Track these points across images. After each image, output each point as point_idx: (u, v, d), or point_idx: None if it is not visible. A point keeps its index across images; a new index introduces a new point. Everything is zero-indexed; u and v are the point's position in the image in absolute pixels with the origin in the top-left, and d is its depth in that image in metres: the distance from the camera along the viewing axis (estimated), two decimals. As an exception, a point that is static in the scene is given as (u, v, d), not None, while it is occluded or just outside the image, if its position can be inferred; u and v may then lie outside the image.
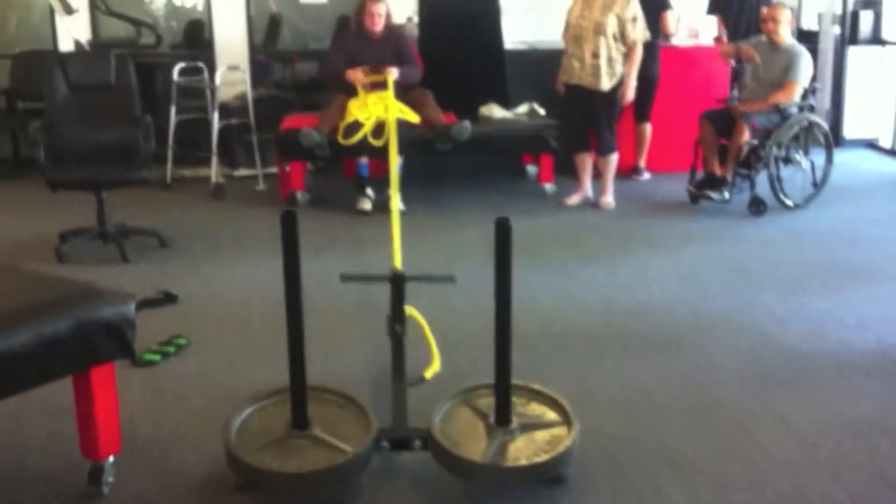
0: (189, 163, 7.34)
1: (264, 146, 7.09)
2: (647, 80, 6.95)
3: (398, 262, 3.46)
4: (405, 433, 2.97)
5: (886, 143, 8.35)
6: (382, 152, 5.98)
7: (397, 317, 3.07)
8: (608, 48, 6.12)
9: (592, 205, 6.41)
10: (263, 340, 4.03)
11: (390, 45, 6.37)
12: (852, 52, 8.23)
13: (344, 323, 4.28)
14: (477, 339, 3.69)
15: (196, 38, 8.20)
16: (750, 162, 6.15)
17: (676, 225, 5.95)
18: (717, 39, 7.48)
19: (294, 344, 2.82)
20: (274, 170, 6.94)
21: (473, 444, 2.86)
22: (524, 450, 2.84)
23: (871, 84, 8.31)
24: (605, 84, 6.15)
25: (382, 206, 5.82)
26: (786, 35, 6.17)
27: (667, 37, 7.13)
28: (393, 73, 6.17)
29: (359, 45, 6.38)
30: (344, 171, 7.01)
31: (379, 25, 6.31)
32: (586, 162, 6.44)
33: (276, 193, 6.64)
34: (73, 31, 7.20)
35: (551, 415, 3.04)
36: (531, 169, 7.26)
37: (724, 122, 6.22)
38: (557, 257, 5.27)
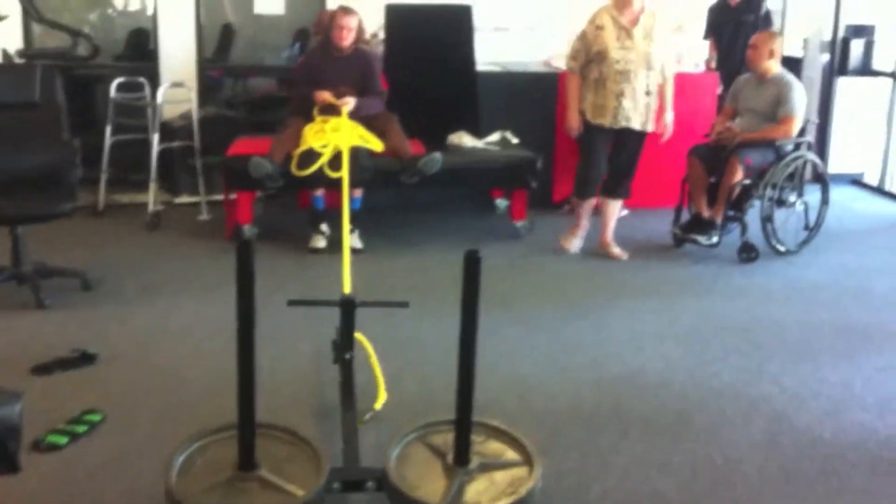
0: (125, 187, 6.67)
1: (209, 171, 6.44)
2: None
3: (347, 287, 3.48)
4: (358, 474, 2.83)
5: (872, 178, 7.92)
6: (340, 184, 5.38)
7: (346, 343, 3.07)
8: (655, 83, 5.44)
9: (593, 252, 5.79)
10: (197, 411, 3.42)
11: (357, 66, 5.77)
12: (841, 82, 7.77)
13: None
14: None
15: (139, 48, 7.52)
16: (741, 203, 5.65)
17: (663, 272, 5.41)
18: (707, 63, 6.99)
19: (244, 380, 2.61)
20: (219, 197, 6.28)
21: (431, 485, 2.70)
22: (484, 493, 2.69)
23: (858, 117, 7.87)
24: (652, 124, 5.50)
25: (338, 244, 5.20)
26: (771, 65, 5.67)
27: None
28: (349, 104, 5.58)
29: (324, 63, 5.79)
30: (297, 199, 6.39)
31: (348, 41, 5.72)
32: (592, 204, 5.74)
33: (221, 224, 5.99)
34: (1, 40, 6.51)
35: (511, 454, 2.88)
36: (501, 203, 6.68)
37: (713, 158, 5.71)
38: (536, 310, 4.70)
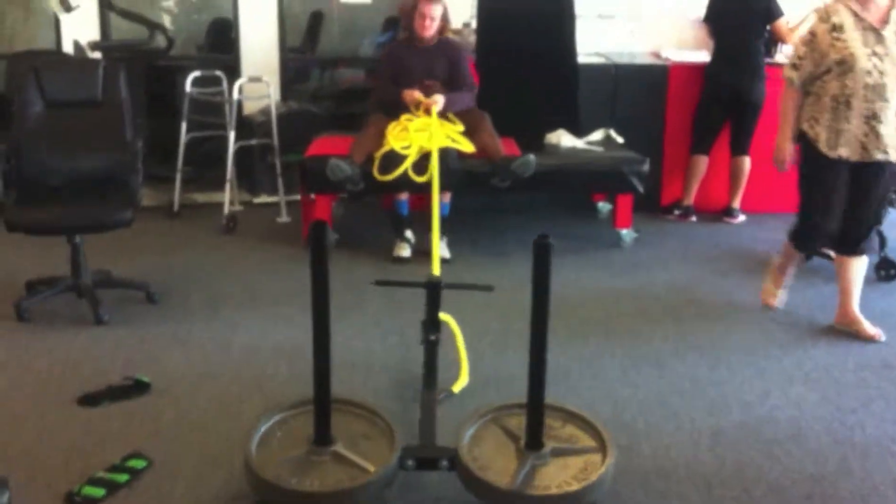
0: (202, 186, 6.32)
1: (290, 170, 6.04)
2: (748, 104, 5.81)
3: (436, 269, 3.69)
4: (431, 452, 2.85)
5: None
6: (426, 188, 4.92)
7: (432, 324, 3.16)
8: None
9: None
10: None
11: (444, 57, 5.27)
12: None
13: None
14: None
15: (221, 39, 7.17)
16: (879, 211, 4.95)
17: (790, 293, 4.75)
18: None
19: (320, 355, 2.72)
20: (299, 197, 5.86)
21: (502, 467, 2.75)
22: (555, 477, 2.71)
23: None
24: None
25: (424, 252, 4.72)
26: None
27: (775, 51, 5.93)
28: (438, 103, 5.08)
29: (406, 56, 5.30)
30: (380, 201, 5.93)
31: (431, 30, 5.22)
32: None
33: (300, 227, 5.57)
34: (75, 31, 6.21)
35: (586, 440, 2.90)
36: (603, 207, 6.11)
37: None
38: (642, 337, 4.13)
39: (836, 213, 4.15)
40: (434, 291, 3.15)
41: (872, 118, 3.94)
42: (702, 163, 5.99)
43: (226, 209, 5.74)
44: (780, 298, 4.54)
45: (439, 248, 4.90)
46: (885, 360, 3.89)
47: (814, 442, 3.21)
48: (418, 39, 5.25)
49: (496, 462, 2.76)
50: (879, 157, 3.99)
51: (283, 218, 5.96)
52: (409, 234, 5.28)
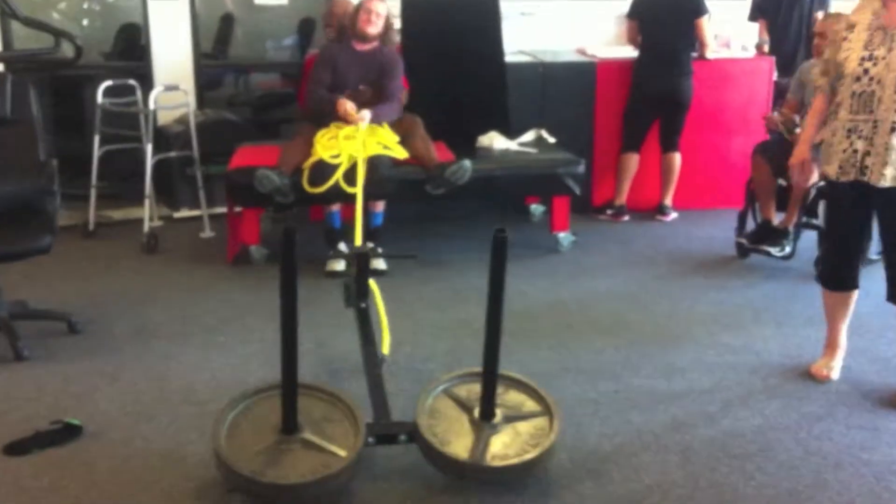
0: (118, 202, 6.01)
1: (211, 181, 5.78)
2: (677, 102, 5.78)
3: (358, 241, 4.09)
4: (391, 428, 2.99)
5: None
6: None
7: (361, 292, 3.55)
8: None
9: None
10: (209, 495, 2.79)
11: (378, 65, 5.07)
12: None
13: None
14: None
15: (130, 46, 6.83)
16: (816, 208, 4.96)
17: (731, 293, 4.73)
18: (759, 47, 6.29)
19: (287, 344, 2.78)
20: (223, 210, 5.60)
21: (460, 440, 2.90)
22: (511, 445, 2.89)
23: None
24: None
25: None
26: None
27: (702, 48, 5.90)
28: (364, 119, 4.88)
29: (342, 57, 5.08)
30: (309, 213, 5.72)
31: (376, 27, 5.03)
32: (849, 302, 3.73)
33: (226, 243, 5.32)
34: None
35: (531, 404, 3.09)
36: (536, 209, 6.01)
37: (782, 158, 5.01)
38: (594, 349, 4.02)
39: (846, 244, 3.63)
40: (362, 261, 3.54)
41: (853, 132, 3.39)
42: (633, 161, 5.94)
43: (146, 226, 5.45)
44: (833, 370, 3.74)
45: (374, 261, 4.76)
46: (843, 362, 3.84)
47: (784, 454, 3.14)
48: (359, 39, 5.04)
49: (454, 436, 2.91)
50: (865, 179, 3.38)
51: (207, 233, 5.70)
52: (342, 246, 5.09)
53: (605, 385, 3.67)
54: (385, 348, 3.65)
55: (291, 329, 2.74)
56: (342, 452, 2.78)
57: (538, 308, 4.52)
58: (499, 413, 2.95)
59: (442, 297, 4.61)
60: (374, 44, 5.08)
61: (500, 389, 3.02)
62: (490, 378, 2.92)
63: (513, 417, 2.98)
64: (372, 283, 3.68)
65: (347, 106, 4.84)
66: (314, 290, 4.65)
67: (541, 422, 2.97)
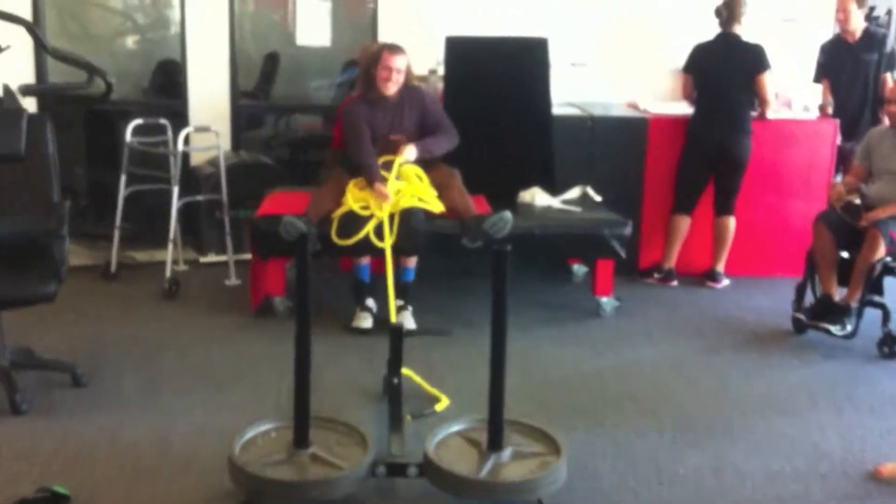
0: (144, 244, 5.79)
1: (240, 227, 5.55)
2: (733, 161, 5.46)
3: (393, 317, 4.25)
4: (401, 459, 3.16)
5: None
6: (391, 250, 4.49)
7: (394, 369, 3.62)
8: None
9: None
10: None
11: (409, 108, 4.77)
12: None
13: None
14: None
15: (168, 83, 6.66)
16: (881, 285, 4.60)
17: (786, 372, 4.34)
18: (822, 108, 5.95)
19: (301, 365, 2.94)
20: (249, 256, 5.35)
21: (467, 464, 3.00)
22: (516, 470, 2.99)
23: None
24: None
25: (387, 323, 4.22)
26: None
27: (763, 106, 5.56)
28: (409, 153, 4.62)
29: (368, 113, 4.75)
30: (339, 263, 5.44)
31: (395, 85, 4.66)
32: None
33: (250, 291, 5.06)
34: (8, 74, 5.65)
35: (542, 447, 3.13)
36: (578, 270, 5.69)
37: (847, 229, 4.67)
38: (635, 430, 3.67)
39: None
40: (396, 336, 3.60)
41: None
42: (684, 223, 5.60)
43: (168, 271, 5.21)
44: None
45: (403, 320, 4.49)
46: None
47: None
48: (380, 96, 4.75)
49: (462, 461, 3.02)
50: None
51: (232, 280, 5.45)
52: (370, 302, 4.81)
53: (646, 474, 3.31)
54: (441, 405, 3.80)
55: (305, 343, 2.93)
56: (345, 465, 2.95)
57: (574, 379, 4.19)
58: (508, 448, 3.05)
59: (469, 360, 4.28)
60: (398, 95, 4.77)
61: (515, 435, 3.14)
62: (496, 408, 3.00)
63: (521, 453, 3.08)
64: (408, 371, 3.80)
65: (382, 190, 4.56)
66: (337, 348, 4.39)
67: (549, 458, 3.05)
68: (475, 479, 2.92)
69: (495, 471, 2.97)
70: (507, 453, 3.03)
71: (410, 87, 4.80)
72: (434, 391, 3.84)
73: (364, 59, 5.02)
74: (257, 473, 2.89)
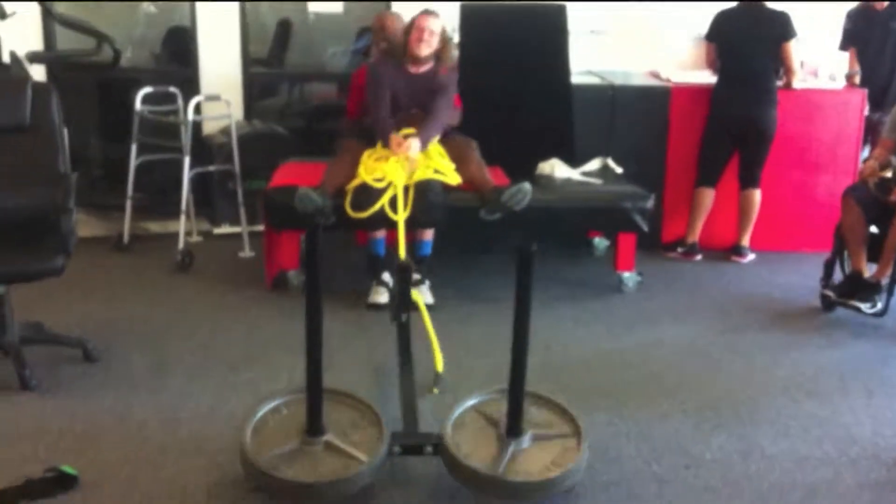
0: (157, 214, 5.69)
1: (253, 197, 5.43)
2: (759, 132, 5.29)
3: (402, 254, 4.10)
4: (417, 439, 3.00)
5: None
6: (407, 224, 4.37)
7: (403, 305, 3.49)
8: None
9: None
10: None
11: (430, 87, 4.69)
12: None
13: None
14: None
15: (178, 50, 6.52)
16: (913, 261, 4.46)
17: (814, 353, 4.21)
18: (849, 78, 5.77)
19: (312, 348, 2.82)
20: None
21: (484, 454, 2.88)
22: (535, 462, 2.86)
23: None
24: None
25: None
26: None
27: (788, 75, 5.39)
28: (412, 147, 4.50)
29: (394, 82, 4.70)
30: (355, 235, 5.33)
31: (430, 45, 4.65)
32: None
33: (264, 264, 4.96)
34: (16, 41, 5.53)
35: (561, 424, 3.05)
36: (599, 243, 5.56)
37: (877, 204, 4.52)
38: (657, 412, 3.55)
39: None
40: (404, 274, 3.48)
41: None
42: (708, 196, 5.46)
43: (180, 243, 5.12)
44: None
45: (421, 295, 4.38)
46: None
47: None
48: (413, 58, 4.65)
49: (479, 448, 2.90)
50: None
51: (246, 252, 5.36)
52: (386, 276, 4.69)
53: (671, 459, 3.20)
54: (438, 366, 3.70)
55: (316, 330, 2.80)
56: (363, 457, 2.82)
57: (596, 359, 4.07)
58: (526, 430, 2.94)
59: (486, 340, 4.17)
60: (429, 65, 4.69)
61: (529, 407, 3.03)
62: (516, 394, 2.91)
63: (540, 437, 2.97)
64: (418, 299, 3.78)
65: (398, 139, 4.50)
66: (353, 325, 4.29)
67: (569, 442, 2.95)
68: (492, 476, 2.80)
69: (513, 463, 2.85)
70: (526, 439, 2.93)
71: (441, 72, 4.71)
72: (433, 337, 3.76)
73: (384, 24, 4.97)
74: (270, 472, 2.75)
